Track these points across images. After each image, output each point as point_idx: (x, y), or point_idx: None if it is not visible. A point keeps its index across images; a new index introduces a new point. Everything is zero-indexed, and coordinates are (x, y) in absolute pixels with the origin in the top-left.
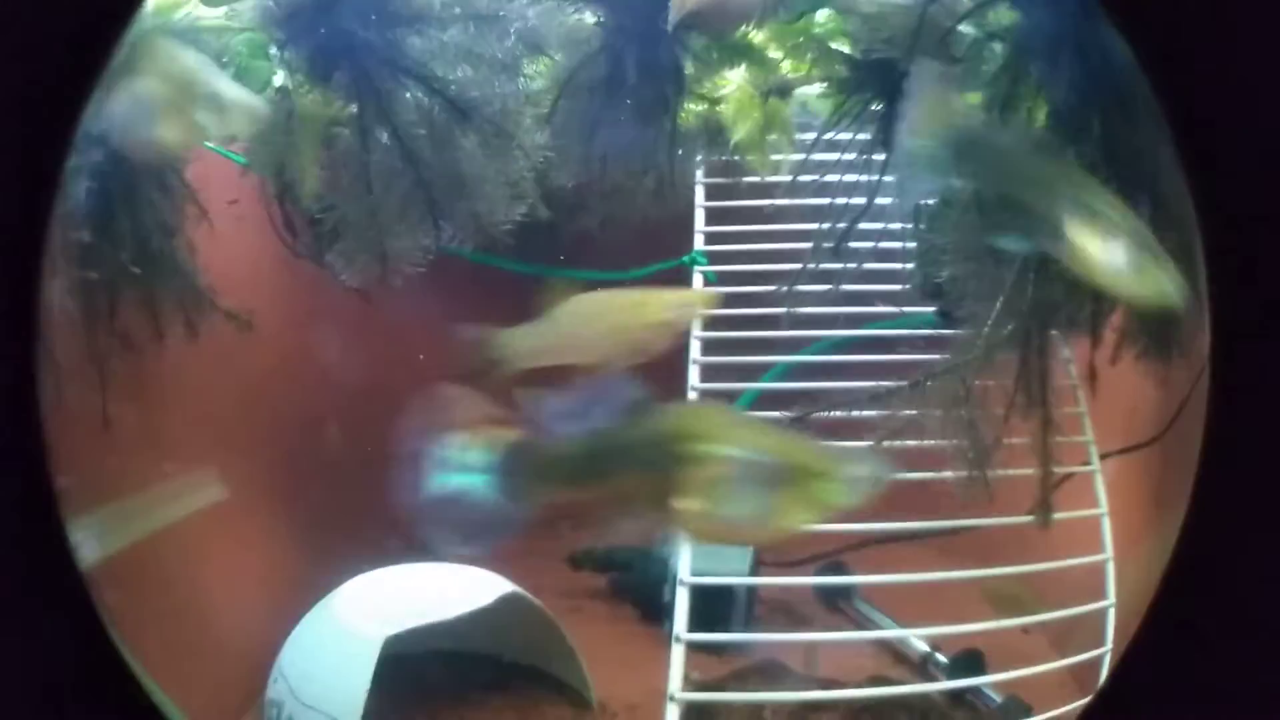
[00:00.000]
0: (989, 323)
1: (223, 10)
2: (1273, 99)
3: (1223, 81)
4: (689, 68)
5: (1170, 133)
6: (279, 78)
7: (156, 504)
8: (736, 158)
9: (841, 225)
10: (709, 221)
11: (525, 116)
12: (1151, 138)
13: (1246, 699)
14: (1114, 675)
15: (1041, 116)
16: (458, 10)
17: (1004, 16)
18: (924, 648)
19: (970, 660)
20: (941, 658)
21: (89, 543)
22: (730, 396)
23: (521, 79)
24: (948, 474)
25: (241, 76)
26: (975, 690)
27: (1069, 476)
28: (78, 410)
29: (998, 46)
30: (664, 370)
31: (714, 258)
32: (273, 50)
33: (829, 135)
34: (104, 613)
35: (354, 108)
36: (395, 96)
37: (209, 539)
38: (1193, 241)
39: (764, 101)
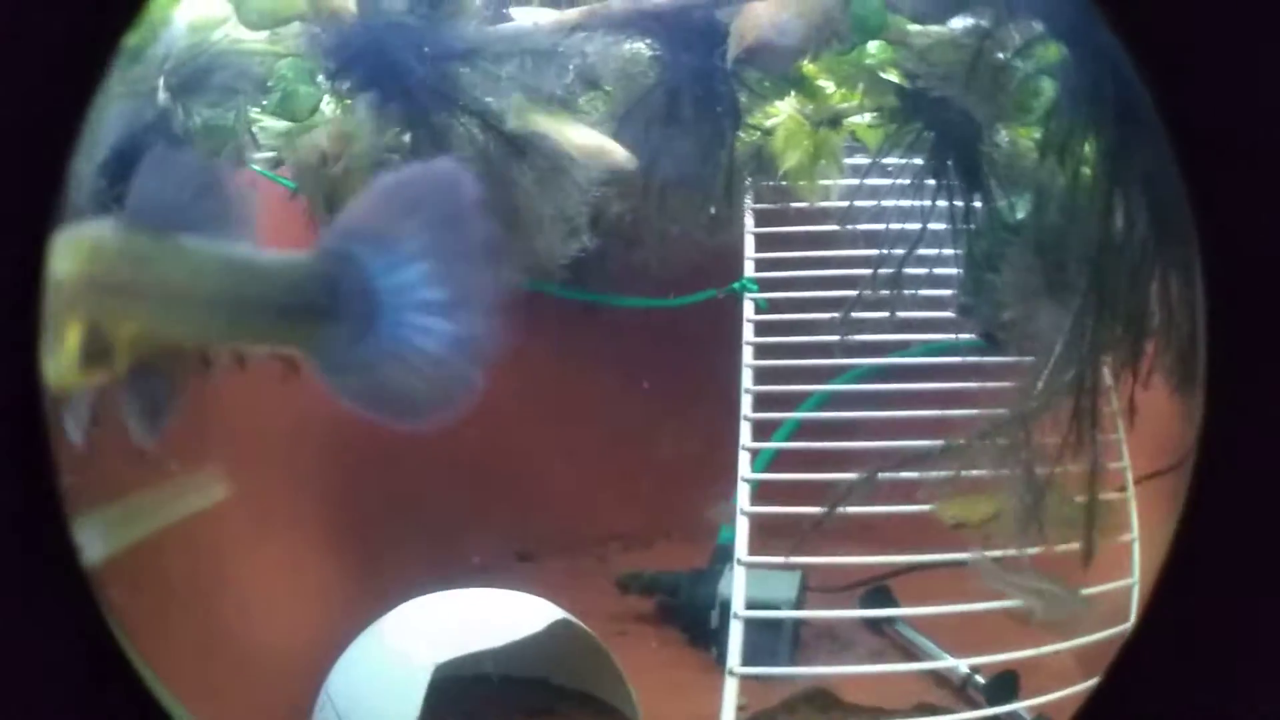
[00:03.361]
0: (1048, 369)
1: (265, 34)
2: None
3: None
4: (744, 100)
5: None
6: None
7: (162, 503)
8: (785, 182)
9: (898, 252)
10: (759, 248)
11: None
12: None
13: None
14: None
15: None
16: (514, 45)
17: (1051, 52)
18: (964, 669)
19: (1006, 682)
20: (980, 679)
21: (92, 543)
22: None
23: (578, 114)
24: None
25: (287, 101)
26: (1011, 713)
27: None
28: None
29: (1048, 84)
30: (714, 393)
31: (764, 284)
32: (320, 78)
33: (880, 163)
34: (109, 614)
35: (407, 136)
36: (450, 131)
37: (250, 557)
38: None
39: (815, 131)
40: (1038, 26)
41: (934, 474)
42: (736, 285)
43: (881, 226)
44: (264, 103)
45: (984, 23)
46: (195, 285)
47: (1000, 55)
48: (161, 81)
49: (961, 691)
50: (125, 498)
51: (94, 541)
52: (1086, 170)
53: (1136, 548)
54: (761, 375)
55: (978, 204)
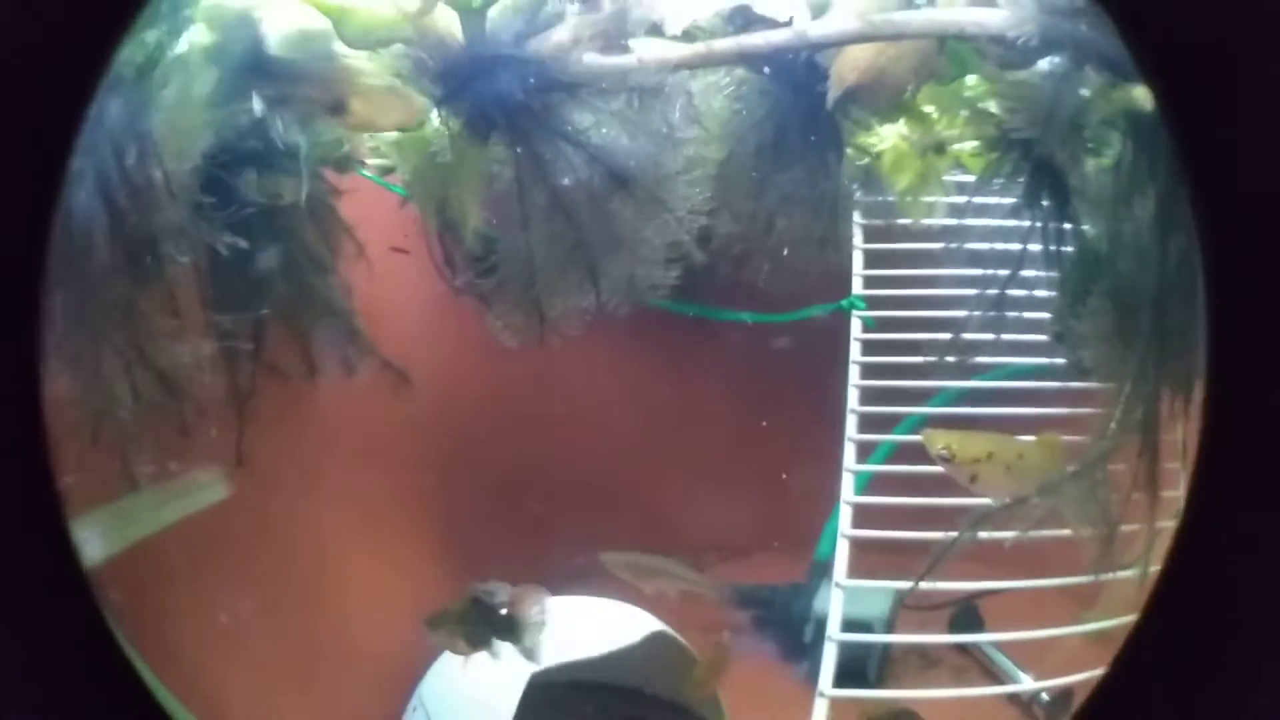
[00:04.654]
0: (1120, 407)
1: (365, 54)
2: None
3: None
4: (849, 129)
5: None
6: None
7: (164, 501)
8: (893, 199)
9: (1004, 272)
10: (867, 265)
11: (683, 184)
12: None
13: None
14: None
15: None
16: (620, 81)
17: (1119, 98)
18: (1035, 687)
19: (1063, 700)
20: (1046, 696)
21: (92, 543)
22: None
23: (681, 148)
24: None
25: None
26: None
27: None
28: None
29: (1119, 132)
30: (820, 408)
31: (872, 302)
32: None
33: (985, 185)
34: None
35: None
36: (554, 162)
37: (350, 562)
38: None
39: (921, 156)
40: (1109, 73)
41: (1035, 506)
42: (844, 303)
43: (985, 246)
44: None
45: (1063, 63)
46: None
47: (1081, 93)
48: (255, 91)
49: (1028, 708)
50: (127, 496)
51: (97, 540)
52: (1149, 211)
53: None
54: (867, 395)
55: (1067, 230)
